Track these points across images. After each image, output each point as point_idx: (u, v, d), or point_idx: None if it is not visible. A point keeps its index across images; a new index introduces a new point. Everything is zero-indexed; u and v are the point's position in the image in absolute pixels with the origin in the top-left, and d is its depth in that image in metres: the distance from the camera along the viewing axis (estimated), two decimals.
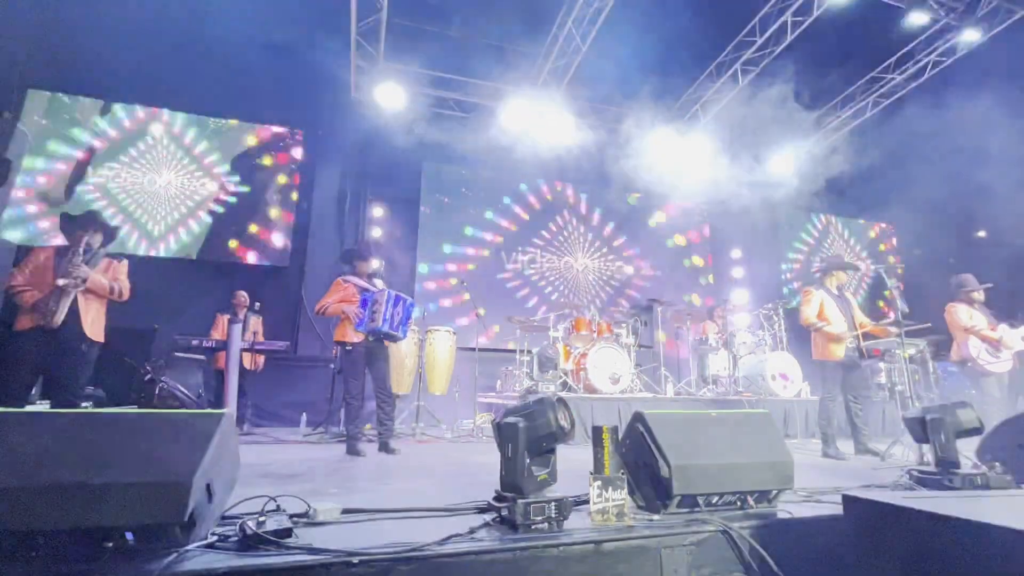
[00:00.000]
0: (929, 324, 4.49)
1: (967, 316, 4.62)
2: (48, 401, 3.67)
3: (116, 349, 5.54)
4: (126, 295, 3.70)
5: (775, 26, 7.02)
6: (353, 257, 4.33)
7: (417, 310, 4.97)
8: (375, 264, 4.38)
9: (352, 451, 3.87)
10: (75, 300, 3.39)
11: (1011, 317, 4.76)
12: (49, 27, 6.54)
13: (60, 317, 3.29)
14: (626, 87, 8.42)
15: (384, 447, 4.00)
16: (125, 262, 3.79)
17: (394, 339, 4.11)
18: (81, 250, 3.46)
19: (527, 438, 1.77)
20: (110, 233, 3.84)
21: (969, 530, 1.37)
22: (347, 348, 4.00)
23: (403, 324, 4.06)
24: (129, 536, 1.37)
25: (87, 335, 3.42)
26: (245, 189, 7.65)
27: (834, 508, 1.93)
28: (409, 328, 4.27)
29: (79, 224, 3.62)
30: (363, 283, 4.20)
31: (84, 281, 3.40)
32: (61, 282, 3.31)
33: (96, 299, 3.53)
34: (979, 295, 4.71)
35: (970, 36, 7.15)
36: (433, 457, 3.94)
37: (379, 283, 4.33)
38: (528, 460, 1.77)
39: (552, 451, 1.92)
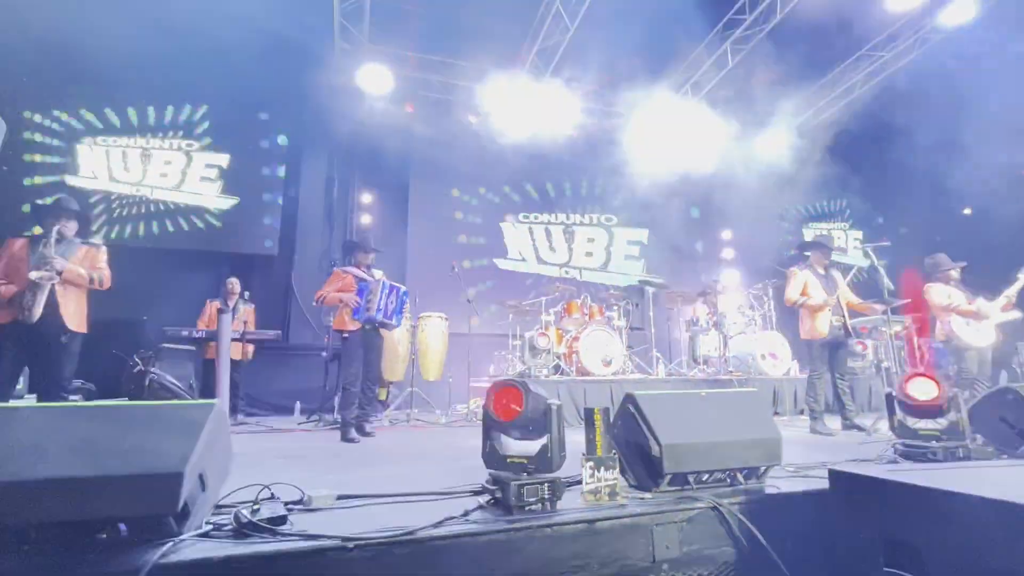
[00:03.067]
0: (909, 300, 4.57)
1: (944, 295, 4.74)
2: (35, 395, 3.62)
3: (104, 341, 5.48)
4: (107, 283, 3.56)
5: (765, 3, 6.95)
6: (355, 248, 4.49)
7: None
8: (372, 256, 4.49)
9: (346, 438, 3.93)
10: (53, 292, 3.26)
11: (996, 292, 4.85)
12: (24, 17, 6.32)
13: (37, 312, 3.17)
14: (615, 67, 8.33)
15: (359, 429, 4.16)
16: (104, 249, 3.64)
17: (388, 327, 4.25)
18: (52, 240, 3.29)
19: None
20: (85, 219, 3.69)
21: (952, 501, 1.41)
22: (344, 336, 4.15)
23: (397, 313, 4.18)
24: (122, 527, 1.37)
25: (68, 327, 3.31)
26: (230, 178, 7.52)
27: (821, 483, 1.97)
28: (403, 316, 4.38)
29: (51, 212, 3.44)
30: (361, 273, 4.30)
31: (59, 273, 3.27)
32: (34, 276, 3.16)
33: (76, 289, 3.40)
34: (955, 273, 4.81)
35: (959, 13, 7.13)
36: (427, 442, 3.96)
37: (378, 273, 4.42)
38: (493, 441, 1.84)
39: (542, 434, 1.92)
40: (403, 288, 4.26)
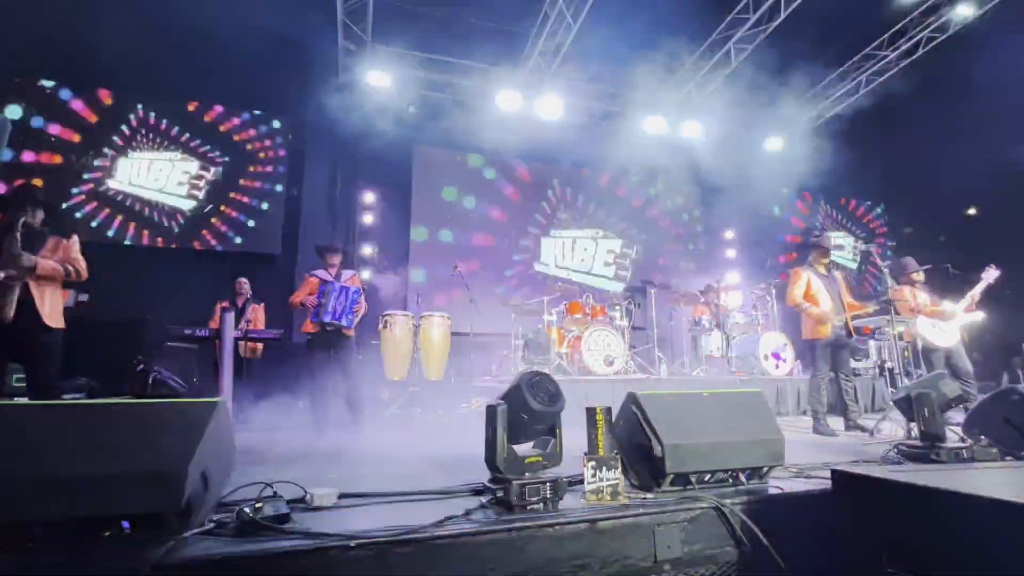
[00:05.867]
0: (888, 300, 4.56)
1: (911, 297, 4.83)
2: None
3: (108, 339, 5.51)
4: (84, 274, 3.34)
5: (768, 3, 6.93)
6: (322, 252, 4.64)
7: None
8: (339, 257, 4.61)
9: (318, 433, 4.11)
10: (26, 289, 3.09)
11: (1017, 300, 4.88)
12: (23, 12, 6.36)
13: (10, 312, 3.01)
14: (618, 67, 8.33)
15: (355, 423, 4.27)
16: (75, 238, 3.41)
17: (339, 327, 4.34)
18: (18, 236, 3.07)
19: (507, 419, 1.81)
20: (52, 208, 3.47)
21: (955, 501, 1.40)
22: (308, 338, 4.37)
23: (347, 313, 4.31)
24: (126, 525, 1.38)
25: (45, 324, 3.13)
26: (235, 175, 7.54)
27: (824, 483, 1.96)
28: (357, 316, 4.46)
29: (15, 203, 3.20)
30: (325, 275, 4.47)
31: (31, 270, 3.09)
32: (3, 276, 3.00)
33: (50, 284, 3.21)
34: (918, 276, 4.92)
35: (963, 11, 7.09)
36: (429, 441, 3.96)
37: (345, 274, 4.54)
38: (508, 441, 1.81)
39: (551, 432, 1.93)
40: (354, 287, 4.40)
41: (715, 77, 8.19)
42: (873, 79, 8.46)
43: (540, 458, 1.80)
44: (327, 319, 4.17)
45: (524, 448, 1.86)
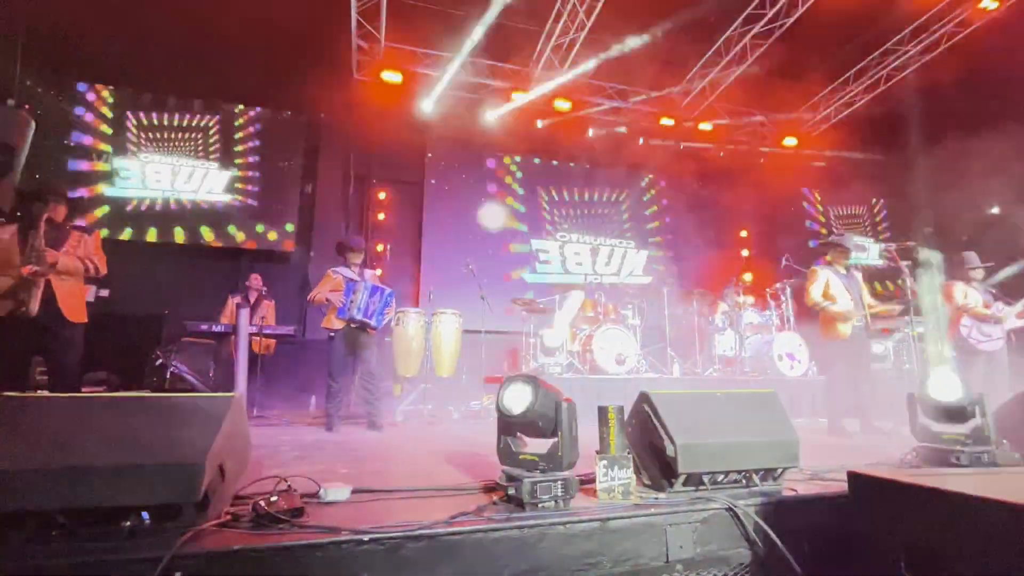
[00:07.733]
0: (908, 301, 4.44)
1: (961, 294, 4.63)
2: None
3: (126, 334, 5.62)
4: (103, 270, 3.44)
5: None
6: (344, 249, 4.61)
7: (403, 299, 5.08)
8: (362, 255, 4.62)
9: (328, 428, 4.14)
10: (49, 284, 3.18)
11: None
12: (46, 10, 6.49)
13: (35, 307, 3.09)
14: (631, 65, 8.26)
15: (372, 425, 4.26)
16: (96, 234, 3.52)
17: (368, 327, 4.31)
18: (41, 232, 3.15)
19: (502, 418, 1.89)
20: (74, 204, 3.59)
21: (975, 506, 1.37)
22: (330, 335, 4.31)
23: (378, 314, 4.30)
24: (145, 515, 1.40)
25: (67, 319, 3.22)
26: (249, 173, 7.64)
27: (840, 486, 1.93)
28: (386, 317, 4.48)
29: (39, 197, 3.29)
30: (350, 273, 4.46)
31: (53, 266, 3.16)
32: (27, 272, 3.07)
33: (72, 279, 3.30)
34: (977, 273, 4.69)
35: (986, 6, 6.92)
36: (441, 438, 3.99)
37: (368, 273, 4.54)
38: (507, 437, 1.89)
39: (538, 431, 1.89)
40: (388, 290, 4.38)
41: (731, 73, 8.08)
42: (894, 75, 8.29)
43: (536, 457, 1.80)
44: (358, 316, 4.16)
45: (536, 445, 1.88)
